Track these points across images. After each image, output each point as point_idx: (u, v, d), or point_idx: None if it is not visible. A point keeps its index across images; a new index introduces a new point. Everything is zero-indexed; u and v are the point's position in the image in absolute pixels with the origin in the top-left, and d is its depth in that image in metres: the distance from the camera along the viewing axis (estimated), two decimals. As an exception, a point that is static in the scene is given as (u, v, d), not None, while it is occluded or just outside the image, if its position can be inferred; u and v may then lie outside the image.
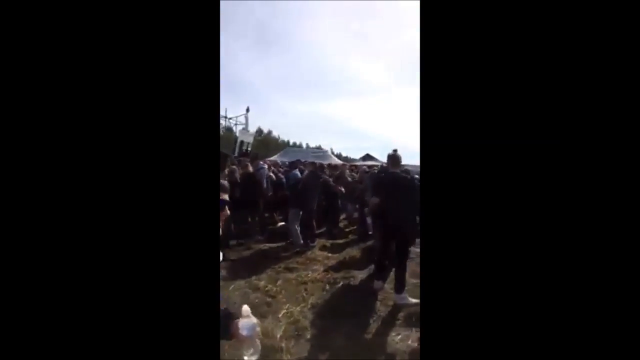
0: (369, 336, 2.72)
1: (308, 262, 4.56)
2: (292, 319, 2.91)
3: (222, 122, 14.67)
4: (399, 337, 2.69)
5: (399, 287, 3.36)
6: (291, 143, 53.01)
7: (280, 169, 8.44)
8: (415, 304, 3.31)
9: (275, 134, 49.70)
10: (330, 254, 4.98)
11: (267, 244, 5.47)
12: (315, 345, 2.53)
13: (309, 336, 2.66)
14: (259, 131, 43.64)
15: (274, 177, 6.62)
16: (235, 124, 13.91)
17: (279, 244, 5.48)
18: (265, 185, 5.89)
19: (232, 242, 5.29)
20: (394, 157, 3.71)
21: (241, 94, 71.93)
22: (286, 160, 12.93)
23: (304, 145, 54.78)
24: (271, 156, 17.29)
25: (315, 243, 5.41)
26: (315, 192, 5.46)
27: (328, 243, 5.64)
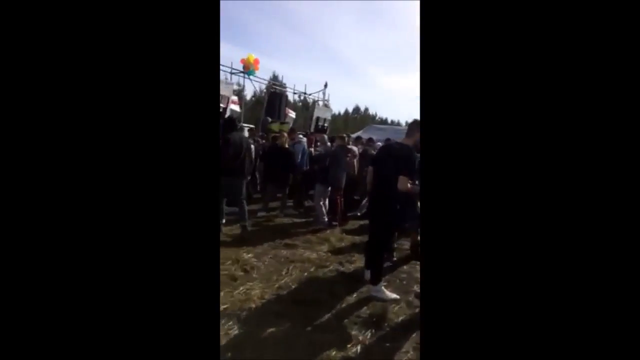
0: (309, 333, 2.36)
1: (316, 242, 4.27)
2: (244, 297, 2.74)
3: (298, 97, 14.83)
4: (351, 337, 2.26)
5: (373, 278, 2.85)
6: (389, 121, 51.23)
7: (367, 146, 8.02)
8: (393, 299, 2.77)
9: (371, 111, 48.57)
10: (346, 235, 4.59)
11: (295, 219, 5.36)
12: (241, 334, 2.30)
13: (243, 319, 2.44)
14: (356, 109, 43.35)
15: (313, 152, 6.38)
16: (315, 100, 13.90)
17: (306, 220, 5.30)
18: (299, 159, 5.72)
19: (261, 214, 5.35)
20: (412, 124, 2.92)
21: (341, 70, 71.71)
22: (369, 137, 12.49)
23: (403, 124, 52.33)
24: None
25: (337, 223, 5.03)
26: (342, 168, 5.04)
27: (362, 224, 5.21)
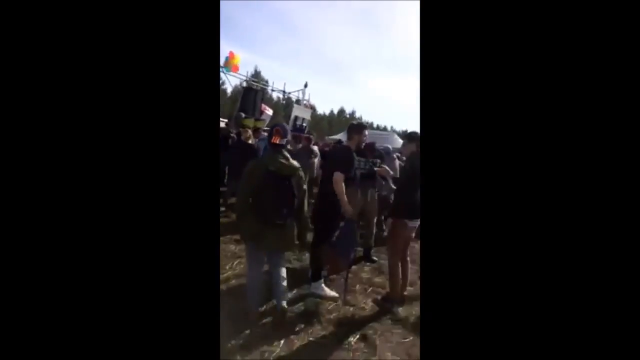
0: (244, 324, 2.34)
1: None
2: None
3: (280, 96, 14.72)
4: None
5: (312, 274, 2.86)
6: (375, 125, 51.76)
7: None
8: (331, 297, 2.78)
9: (357, 114, 48.83)
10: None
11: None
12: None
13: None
14: (341, 111, 43.55)
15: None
16: (295, 100, 13.88)
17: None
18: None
19: (221, 209, 5.29)
20: (351, 127, 3.07)
21: (327, 71, 71.93)
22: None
23: (389, 129, 52.78)
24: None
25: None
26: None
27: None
